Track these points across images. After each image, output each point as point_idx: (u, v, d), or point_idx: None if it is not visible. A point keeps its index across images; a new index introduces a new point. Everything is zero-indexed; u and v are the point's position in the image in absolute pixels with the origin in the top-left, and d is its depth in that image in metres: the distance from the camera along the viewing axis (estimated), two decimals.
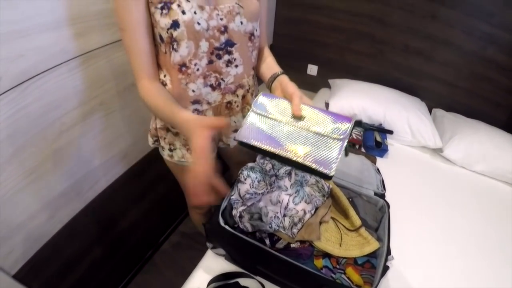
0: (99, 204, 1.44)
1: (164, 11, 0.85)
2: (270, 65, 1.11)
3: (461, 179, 1.78)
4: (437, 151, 1.94)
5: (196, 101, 1.02)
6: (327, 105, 2.05)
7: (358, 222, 1.09)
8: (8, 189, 1.02)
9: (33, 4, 0.93)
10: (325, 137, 0.79)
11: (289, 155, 0.77)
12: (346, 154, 0.96)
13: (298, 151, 0.77)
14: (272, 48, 2.68)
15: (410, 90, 2.27)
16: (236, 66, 1.01)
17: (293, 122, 0.82)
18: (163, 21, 0.86)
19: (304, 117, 0.82)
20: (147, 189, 1.78)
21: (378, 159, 1.75)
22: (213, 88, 1.01)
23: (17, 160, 1.02)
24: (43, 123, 1.07)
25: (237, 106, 1.11)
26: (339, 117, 0.82)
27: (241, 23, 0.95)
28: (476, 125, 2.02)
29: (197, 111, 1.04)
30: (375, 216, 1.18)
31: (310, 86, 2.75)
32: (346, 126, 0.79)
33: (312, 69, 2.73)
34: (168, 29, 0.87)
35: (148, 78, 0.95)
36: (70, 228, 1.31)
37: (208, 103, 1.04)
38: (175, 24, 0.86)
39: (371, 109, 2.00)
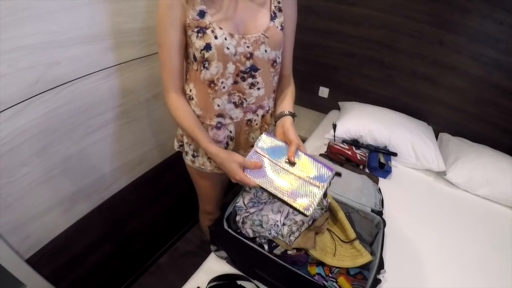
0: (113, 204, 1.52)
1: (200, 35, 0.98)
2: (284, 101, 1.21)
3: (464, 203, 1.78)
4: (441, 174, 1.95)
5: (220, 115, 1.12)
6: (334, 126, 2.10)
7: (353, 235, 1.15)
8: (32, 179, 1.11)
9: (72, 19, 1.05)
10: (308, 183, 0.96)
11: (276, 192, 0.94)
12: (325, 197, 1.09)
13: (284, 190, 0.95)
14: None
15: (417, 114, 2.31)
16: (258, 88, 1.11)
17: (285, 165, 0.99)
18: (198, 43, 0.98)
19: (295, 163, 0.99)
20: (159, 194, 1.86)
21: (382, 180, 1.79)
22: (236, 105, 1.12)
23: (44, 154, 1.12)
24: (71, 124, 1.18)
25: (256, 124, 1.20)
26: (324, 167, 0.99)
27: (265, 51, 1.05)
28: (480, 150, 2.03)
29: (221, 124, 1.14)
30: (371, 231, 1.24)
31: (321, 107, 2.82)
32: (328, 174, 0.97)
33: (324, 91, 2.78)
34: (201, 50, 0.99)
35: (176, 91, 1.09)
36: (84, 223, 1.39)
37: (231, 118, 1.14)
38: (207, 47, 0.98)
39: (377, 131, 2.04)
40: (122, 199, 1.57)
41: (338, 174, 1.03)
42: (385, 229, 1.22)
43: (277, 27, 1.07)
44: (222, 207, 1.47)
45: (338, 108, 2.57)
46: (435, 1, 2.01)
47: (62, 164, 1.20)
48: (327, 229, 1.18)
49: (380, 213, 1.34)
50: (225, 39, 0.98)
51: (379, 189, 1.55)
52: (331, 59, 2.59)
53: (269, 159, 1.01)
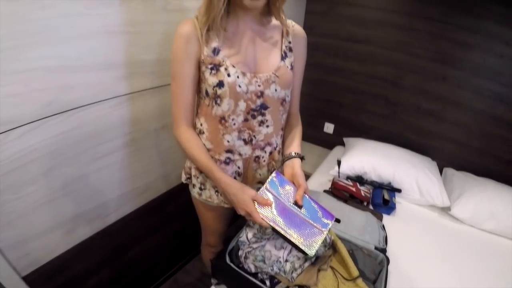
0: (115, 230, 1.51)
1: (213, 71, 1.01)
2: (293, 142, 1.22)
3: (470, 238, 1.74)
4: (445, 210, 1.92)
5: (229, 151, 1.14)
6: (339, 162, 2.09)
7: (355, 272, 1.12)
8: (37, 199, 1.11)
9: (88, 46, 1.10)
10: (312, 226, 1.01)
11: (282, 231, 0.97)
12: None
13: (290, 231, 0.98)
14: None
15: (421, 150, 2.31)
16: (268, 126, 1.13)
17: (293, 207, 1.03)
18: (211, 80, 1.02)
19: (302, 206, 1.04)
20: (162, 224, 1.84)
21: (386, 217, 1.77)
22: (245, 142, 1.13)
23: (51, 175, 1.12)
24: (79, 148, 1.20)
25: (264, 161, 1.21)
26: (326, 213, 1.07)
27: (276, 90, 1.08)
28: (485, 183, 2.00)
29: (229, 159, 1.15)
30: (374, 269, 1.21)
31: (326, 143, 2.84)
32: (329, 221, 1.05)
33: (329, 127, 2.80)
34: (214, 86, 1.02)
35: (186, 124, 1.10)
36: (84, 246, 1.37)
37: (240, 154, 1.15)
38: (220, 84, 1.01)
39: (381, 167, 2.04)
40: (125, 225, 1.55)
41: (337, 221, 1.03)
42: (389, 266, 1.19)
43: (287, 66, 1.11)
44: (225, 240, 1.46)
45: (343, 144, 2.58)
46: (438, 38, 2.07)
47: (67, 186, 1.20)
48: (330, 266, 1.15)
49: (383, 251, 1.31)
50: (238, 77, 1.01)
51: (383, 226, 1.53)
52: (337, 96, 2.63)
53: (278, 198, 1.03)
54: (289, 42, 1.12)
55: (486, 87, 2.03)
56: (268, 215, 0.99)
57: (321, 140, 2.89)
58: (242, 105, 1.05)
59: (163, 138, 1.56)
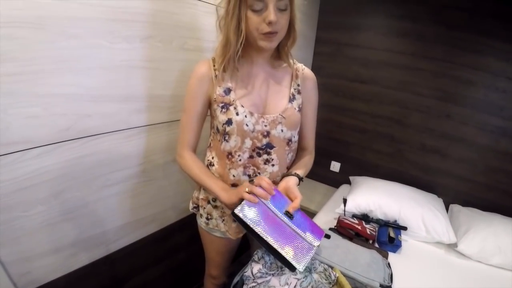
0: (119, 258, 1.49)
1: (223, 110, 1.07)
2: (296, 165, 1.24)
3: (477, 274, 1.69)
4: (452, 246, 1.88)
5: (234, 185, 1.15)
6: (345, 201, 2.08)
7: None
8: (45, 219, 1.11)
9: (108, 78, 1.15)
10: (302, 239, 0.99)
11: (270, 242, 0.94)
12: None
13: (281, 243, 0.95)
14: None
15: (427, 187, 2.29)
16: (273, 165, 1.15)
17: (284, 217, 1.00)
18: (221, 117, 1.07)
19: (294, 217, 1.01)
20: (166, 255, 1.81)
21: (392, 255, 1.72)
22: (250, 178, 1.15)
23: (61, 197, 1.14)
24: (91, 174, 1.22)
25: None
26: (316, 228, 1.05)
27: (282, 130, 1.12)
28: (491, 218, 1.98)
29: (234, 184, 1.17)
30: None
31: (332, 182, 2.83)
32: (318, 238, 1.02)
33: (335, 166, 2.81)
34: (223, 124, 1.07)
35: (189, 149, 1.17)
36: (87, 270, 1.35)
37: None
38: (229, 122, 1.06)
39: (386, 205, 2.02)
40: (129, 254, 1.53)
41: (327, 236, 1.01)
42: None
43: (295, 108, 1.15)
44: (229, 274, 1.44)
45: (349, 182, 2.57)
46: (441, 76, 2.13)
47: (76, 210, 1.21)
48: None
49: None
50: (245, 116, 1.06)
51: (389, 263, 1.49)
52: (343, 135, 2.66)
53: (269, 208, 1.00)
54: (298, 85, 1.17)
55: (489, 122, 2.06)
56: (257, 223, 0.96)
57: (327, 179, 2.89)
58: (248, 143, 1.09)
59: (173, 171, 1.59)
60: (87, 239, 1.30)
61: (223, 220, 1.24)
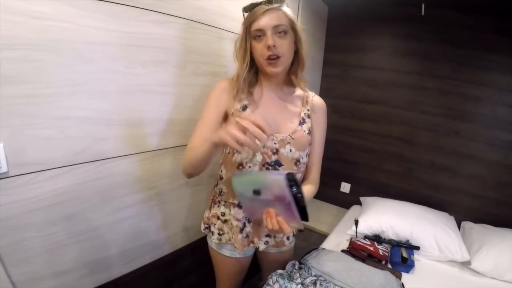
0: (130, 280, 1.44)
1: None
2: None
3: None
4: (466, 264, 1.82)
5: None
6: (356, 222, 2.05)
7: None
8: (58, 240, 1.09)
9: (124, 102, 1.16)
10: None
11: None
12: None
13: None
14: None
15: (438, 205, 2.25)
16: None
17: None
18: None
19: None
20: (177, 277, 1.76)
21: (405, 275, 1.66)
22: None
23: (75, 219, 1.12)
24: (106, 197, 1.20)
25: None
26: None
27: (290, 150, 1.14)
28: (504, 233, 1.92)
29: None
30: None
31: (343, 203, 2.77)
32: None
33: (345, 187, 2.77)
34: None
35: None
36: None
37: None
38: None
39: (398, 226, 1.97)
40: (140, 276, 1.49)
41: (291, 174, 0.87)
42: None
43: (304, 131, 1.18)
44: None
45: (360, 203, 2.52)
46: (448, 94, 2.12)
47: (89, 232, 1.19)
48: None
49: None
50: None
51: (402, 284, 1.43)
52: (353, 155, 2.64)
53: (245, 197, 0.99)
54: (308, 110, 1.21)
55: (498, 137, 2.04)
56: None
57: (338, 200, 2.84)
58: (258, 157, 1.12)
59: (185, 194, 1.57)
60: (98, 260, 1.27)
61: (231, 231, 1.22)
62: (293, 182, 0.85)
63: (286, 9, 1.07)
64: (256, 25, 1.04)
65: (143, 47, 1.17)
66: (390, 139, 2.40)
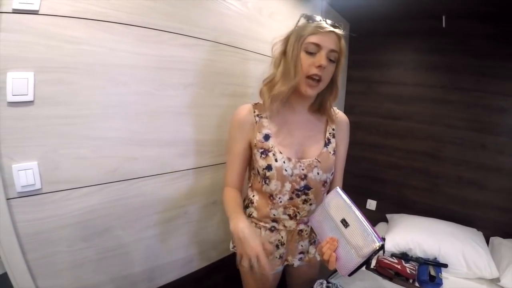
0: None
1: (263, 156, 1.07)
2: None
3: None
4: (495, 281, 1.73)
5: (275, 220, 1.13)
6: (383, 239, 1.94)
7: None
8: (87, 255, 1.08)
9: (154, 123, 1.17)
10: (354, 250, 0.87)
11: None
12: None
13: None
14: None
15: (466, 221, 2.14)
16: (311, 204, 1.12)
17: (339, 224, 0.93)
18: (261, 162, 1.07)
19: (349, 225, 0.92)
20: None
21: None
22: (290, 217, 1.13)
23: (105, 235, 1.11)
24: (136, 214, 1.20)
25: (307, 233, 1.18)
26: (371, 237, 0.87)
27: (318, 173, 1.09)
28: None
29: (274, 228, 1.14)
30: None
31: (369, 220, 2.64)
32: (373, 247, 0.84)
33: (371, 204, 2.67)
34: (263, 168, 1.06)
35: (232, 186, 1.15)
36: None
37: (284, 226, 1.14)
38: (269, 167, 1.05)
39: (425, 243, 1.89)
40: None
41: (381, 248, 0.84)
42: None
43: (330, 152, 1.13)
44: None
45: (386, 220, 2.44)
46: (473, 106, 2.05)
47: (118, 249, 1.18)
48: None
49: None
50: (284, 162, 1.05)
51: None
52: (378, 172, 2.57)
53: (328, 214, 0.98)
54: (333, 129, 1.17)
55: None
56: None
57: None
58: (287, 186, 1.07)
59: (214, 213, 1.55)
60: (126, 276, 1.26)
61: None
62: (377, 251, 0.84)
63: (343, 39, 1.03)
64: (316, 39, 0.97)
65: (172, 70, 1.18)
66: (416, 154, 2.32)
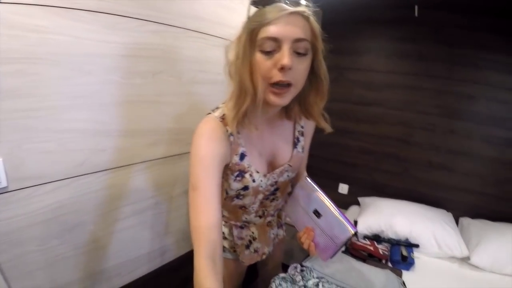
0: None
1: (238, 178, 0.92)
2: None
3: (492, 285, 1.64)
4: (465, 260, 1.84)
5: (246, 221, 1.13)
6: (355, 223, 2.06)
7: None
8: (60, 253, 1.07)
9: (122, 112, 1.14)
10: (329, 238, 0.91)
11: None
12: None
13: None
14: (307, 169, 2.79)
15: (436, 203, 2.25)
16: (277, 200, 1.12)
17: (313, 215, 0.95)
18: (236, 185, 0.93)
19: (322, 215, 0.94)
20: (179, 285, 1.74)
21: (405, 273, 1.65)
22: (260, 217, 1.13)
23: (76, 231, 1.10)
24: (106, 208, 1.19)
25: (275, 222, 1.22)
26: (345, 226, 0.90)
27: (288, 176, 1.04)
28: (502, 228, 1.94)
29: (245, 225, 1.13)
30: None
31: (341, 204, 2.74)
32: (347, 235, 0.88)
33: (344, 188, 2.75)
34: (238, 190, 0.96)
35: (208, 257, 0.75)
36: None
37: (254, 224, 1.15)
38: (245, 188, 0.95)
39: (397, 225, 1.98)
40: (142, 285, 1.47)
41: (355, 235, 0.90)
42: None
43: (299, 151, 1.05)
44: None
45: (358, 204, 2.52)
46: (443, 93, 2.14)
47: (90, 244, 1.17)
48: None
49: None
50: (261, 180, 0.96)
51: (403, 282, 1.42)
52: (350, 157, 2.63)
53: (301, 206, 1.00)
54: (302, 127, 1.06)
55: (494, 134, 2.05)
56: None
57: (336, 201, 2.71)
58: (260, 197, 1.04)
59: (184, 203, 1.55)
60: (100, 271, 1.26)
61: (234, 251, 1.18)
62: (351, 238, 0.88)
63: (313, 18, 0.78)
64: (271, 31, 0.72)
65: (140, 58, 1.16)
66: (387, 139, 2.41)
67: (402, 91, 2.28)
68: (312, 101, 0.90)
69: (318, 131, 1.14)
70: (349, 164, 2.65)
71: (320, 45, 0.82)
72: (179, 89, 1.34)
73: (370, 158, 2.53)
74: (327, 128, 0.96)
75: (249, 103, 0.78)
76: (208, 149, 0.81)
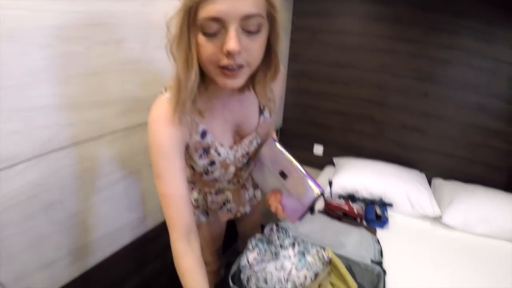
0: (115, 261, 1.46)
1: (204, 155, 0.92)
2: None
3: (463, 243, 1.75)
4: (437, 219, 1.93)
5: (220, 189, 1.17)
6: (330, 183, 2.11)
7: (354, 285, 1.10)
8: (39, 233, 1.07)
9: (87, 84, 1.11)
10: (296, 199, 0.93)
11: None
12: (311, 212, 1.02)
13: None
14: (282, 131, 2.84)
15: (409, 164, 2.34)
16: (249, 165, 1.12)
17: (279, 177, 0.96)
18: (202, 162, 0.94)
19: (287, 177, 0.95)
20: (160, 252, 1.80)
21: (380, 231, 1.77)
22: (234, 184, 1.16)
23: (52, 209, 1.10)
24: (79, 183, 1.18)
25: (250, 184, 1.25)
26: (311, 187, 0.91)
27: (257, 143, 1.03)
28: (473, 189, 2.03)
29: (219, 191, 1.17)
30: (372, 282, 1.20)
31: (317, 164, 2.82)
32: (313, 196, 0.90)
33: (318, 149, 2.80)
34: (205, 165, 0.96)
35: (183, 237, 0.84)
36: (87, 277, 1.33)
37: (229, 189, 1.18)
38: (212, 163, 0.95)
39: (371, 184, 2.06)
40: (124, 257, 1.51)
41: (322, 195, 0.95)
42: (386, 278, 1.20)
43: (266, 117, 1.01)
44: (226, 265, 1.43)
45: (333, 164, 2.59)
46: (418, 57, 2.16)
47: (68, 220, 1.18)
48: (330, 282, 1.14)
49: (380, 263, 1.30)
50: (227, 153, 0.96)
51: (378, 239, 1.52)
52: (324, 118, 2.66)
53: (267, 168, 1.00)
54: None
55: (467, 99, 2.11)
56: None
57: (311, 162, 2.87)
58: (231, 169, 1.03)
59: None
60: (82, 246, 1.27)
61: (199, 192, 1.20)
62: (318, 198, 0.89)
63: None
64: (210, 10, 0.60)
65: (103, 26, 1.11)
66: (361, 101, 2.44)
67: (377, 54, 2.29)
68: (262, 75, 0.81)
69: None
70: (324, 126, 2.68)
71: (278, 15, 0.70)
72: (145, 56, 1.31)
73: (344, 120, 2.57)
74: (271, 108, 0.99)
75: (184, 94, 0.72)
76: (164, 136, 0.79)
